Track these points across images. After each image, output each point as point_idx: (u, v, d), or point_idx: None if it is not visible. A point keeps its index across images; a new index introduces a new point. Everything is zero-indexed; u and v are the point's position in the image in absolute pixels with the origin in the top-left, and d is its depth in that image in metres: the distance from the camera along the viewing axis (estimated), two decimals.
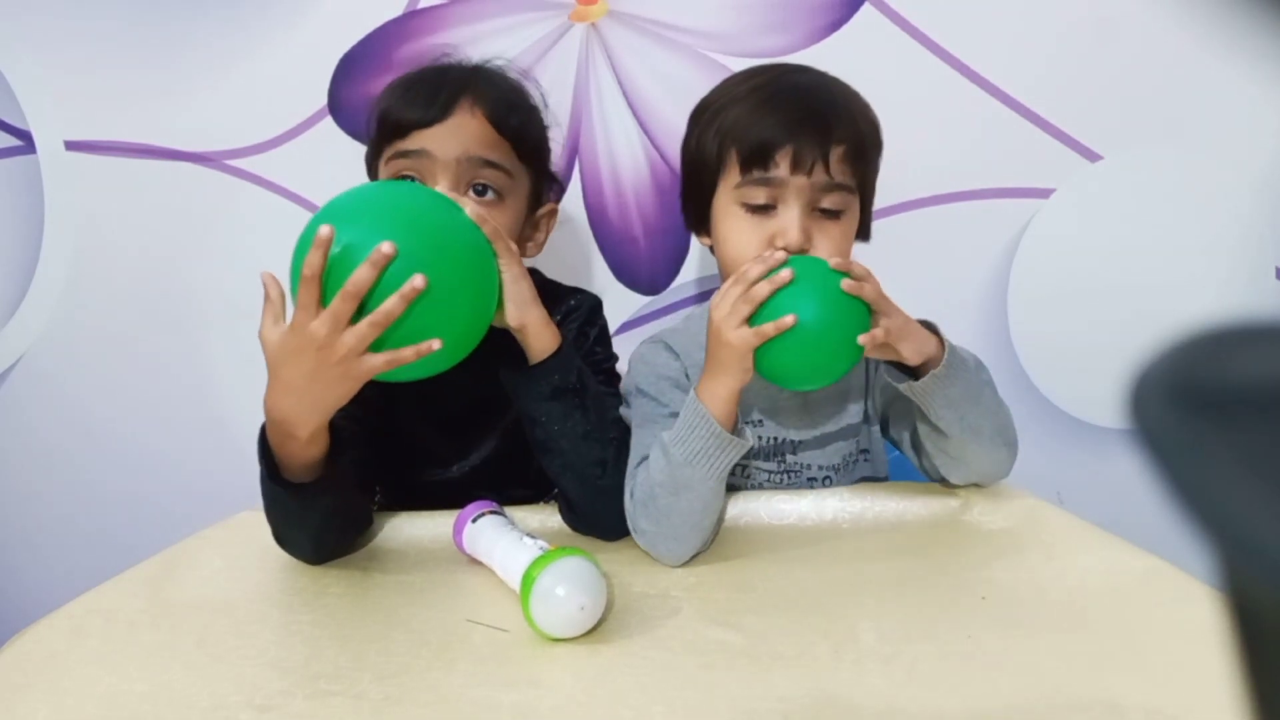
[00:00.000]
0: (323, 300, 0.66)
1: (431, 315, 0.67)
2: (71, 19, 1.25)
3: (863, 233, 0.90)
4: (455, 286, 0.69)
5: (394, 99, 0.87)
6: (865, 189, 0.88)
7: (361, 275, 0.64)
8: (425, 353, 0.66)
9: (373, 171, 0.91)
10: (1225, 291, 1.28)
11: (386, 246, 0.64)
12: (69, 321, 1.33)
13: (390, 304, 0.64)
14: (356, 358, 0.66)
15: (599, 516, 0.83)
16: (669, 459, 0.77)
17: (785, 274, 0.76)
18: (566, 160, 1.26)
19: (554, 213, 0.96)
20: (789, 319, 0.74)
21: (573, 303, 0.97)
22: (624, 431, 0.86)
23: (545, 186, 0.95)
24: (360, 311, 0.65)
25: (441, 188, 0.83)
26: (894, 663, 0.61)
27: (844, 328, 0.77)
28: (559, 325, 0.83)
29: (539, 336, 0.80)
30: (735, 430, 0.79)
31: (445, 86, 0.86)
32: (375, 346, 0.66)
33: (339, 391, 0.69)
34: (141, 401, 1.36)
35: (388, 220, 0.68)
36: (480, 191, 0.86)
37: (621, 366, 0.99)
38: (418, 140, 0.84)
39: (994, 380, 0.87)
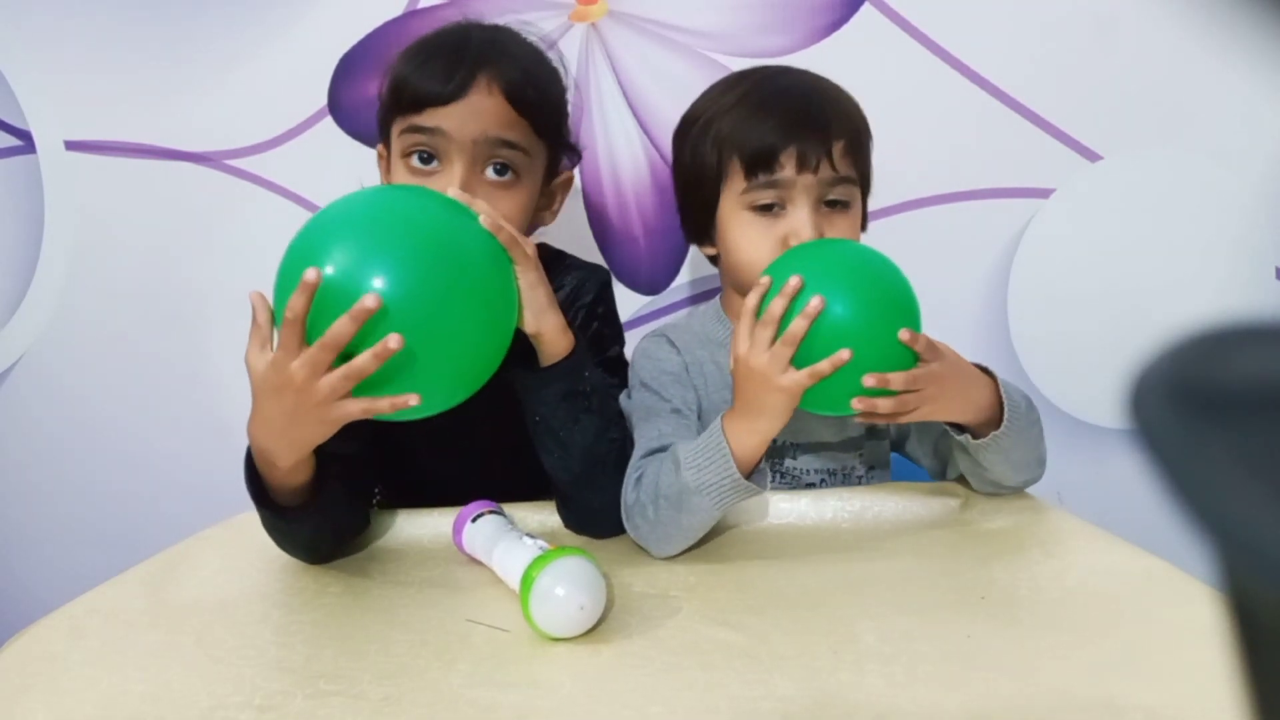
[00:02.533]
0: (306, 338, 0.65)
1: (447, 348, 0.67)
2: (71, 19, 1.25)
3: (864, 222, 0.91)
4: (468, 319, 0.68)
5: (410, 67, 0.85)
6: (864, 179, 0.88)
7: (341, 329, 0.63)
8: (401, 405, 0.65)
9: (385, 135, 0.89)
10: (1225, 291, 1.28)
11: (370, 300, 0.62)
12: (69, 321, 1.33)
13: (363, 361, 0.63)
14: (333, 403, 0.66)
15: (596, 515, 0.83)
16: (679, 478, 0.76)
17: (815, 302, 0.71)
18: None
19: (569, 181, 0.96)
20: (844, 354, 0.71)
21: (580, 278, 0.96)
22: (625, 430, 0.86)
23: (561, 156, 0.93)
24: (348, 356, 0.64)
25: (457, 169, 0.82)
26: (894, 663, 0.61)
27: (889, 344, 0.73)
28: (567, 301, 0.81)
29: (554, 342, 0.79)
30: (756, 469, 0.78)
31: (463, 60, 0.83)
32: (364, 389, 0.66)
33: (317, 432, 0.69)
34: (141, 401, 1.36)
35: (396, 246, 0.66)
36: (499, 171, 0.84)
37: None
38: (433, 118, 0.82)
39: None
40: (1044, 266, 1.28)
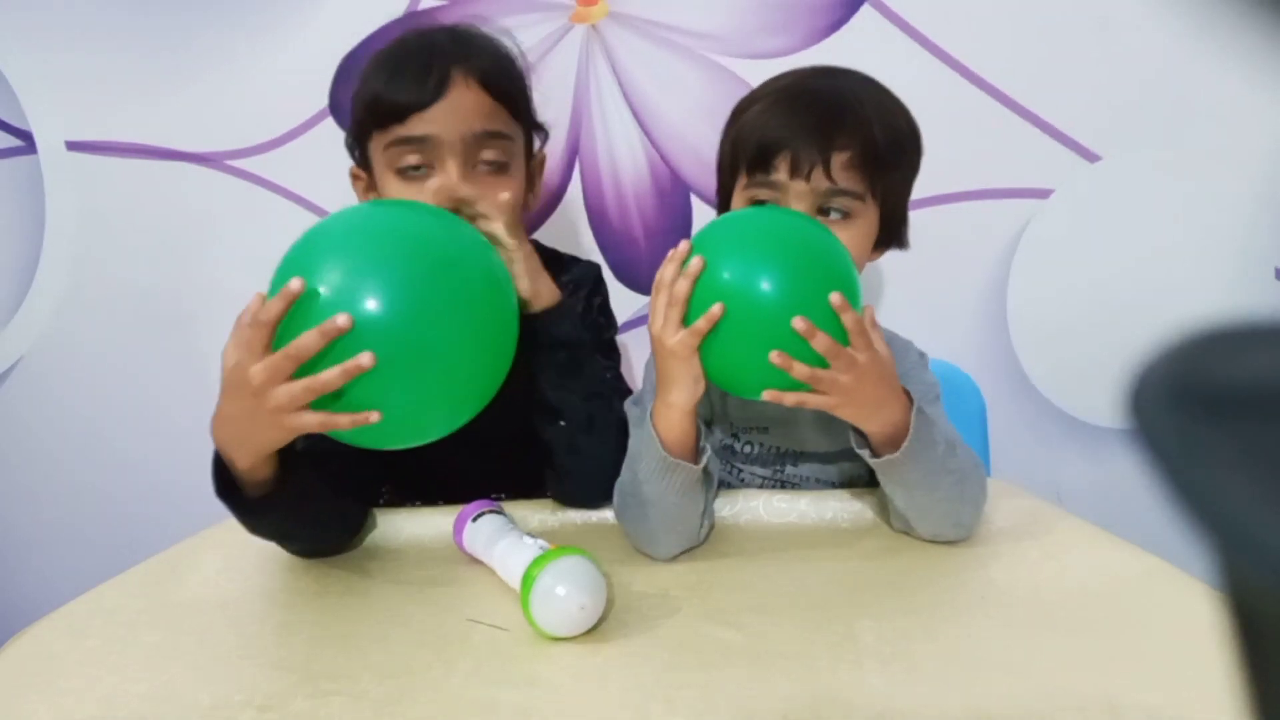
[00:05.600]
0: (274, 345, 0.64)
1: (444, 370, 0.66)
2: (72, 19, 1.25)
3: (898, 241, 0.89)
4: (465, 340, 0.67)
5: (381, 81, 0.84)
6: (886, 196, 0.84)
7: (308, 341, 0.61)
8: (361, 422, 0.63)
9: (362, 157, 0.89)
10: (1225, 291, 1.28)
11: (341, 320, 0.61)
12: (69, 322, 1.34)
13: (330, 375, 0.61)
14: (290, 412, 0.64)
15: (582, 479, 0.84)
16: (633, 473, 0.78)
17: (695, 263, 0.71)
18: (566, 160, 1.26)
19: (544, 162, 0.98)
20: (716, 308, 0.70)
21: (579, 273, 0.99)
22: (614, 394, 0.87)
23: (534, 137, 0.94)
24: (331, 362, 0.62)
25: (451, 170, 0.82)
26: (894, 663, 0.61)
27: (773, 322, 0.69)
28: (571, 296, 0.84)
29: (542, 298, 0.83)
30: (697, 446, 0.78)
31: (434, 61, 0.83)
32: (333, 405, 0.64)
33: (270, 437, 0.68)
34: (141, 402, 1.36)
35: (390, 267, 0.65)
36: (491, 165, 0.85)
37: (631, 360, 1.00)
38: (418, 125, 0.82)
39: (963, 454, 0.80)
40: (1044, 267, 1.28)
